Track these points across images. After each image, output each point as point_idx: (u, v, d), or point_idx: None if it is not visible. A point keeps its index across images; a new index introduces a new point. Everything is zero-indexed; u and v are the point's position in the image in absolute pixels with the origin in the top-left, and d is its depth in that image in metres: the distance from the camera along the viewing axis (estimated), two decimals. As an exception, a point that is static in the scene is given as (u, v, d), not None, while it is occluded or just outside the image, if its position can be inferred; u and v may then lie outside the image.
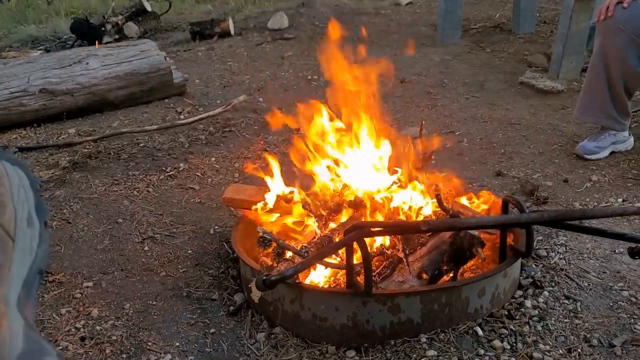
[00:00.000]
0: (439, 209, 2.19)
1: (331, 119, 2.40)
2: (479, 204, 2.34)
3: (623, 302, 2.05)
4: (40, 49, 6.73)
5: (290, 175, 2.46)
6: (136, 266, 2.45)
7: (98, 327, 2.07)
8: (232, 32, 6.78)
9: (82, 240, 2.65)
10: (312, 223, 2.24)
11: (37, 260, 0.76)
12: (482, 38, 5.93)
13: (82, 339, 2.01)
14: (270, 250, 2.07)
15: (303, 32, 6.61)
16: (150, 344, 1.99)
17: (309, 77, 5.05)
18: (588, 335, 1.90)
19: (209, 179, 3.23)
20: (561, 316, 1.99)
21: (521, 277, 2.17)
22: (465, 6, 6.12)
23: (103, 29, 6.92)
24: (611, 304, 2.05)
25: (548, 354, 1.82)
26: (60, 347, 1.96)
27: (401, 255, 2.02)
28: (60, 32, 7.58)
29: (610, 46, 3.05)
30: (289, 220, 2.31)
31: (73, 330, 2.05)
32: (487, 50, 5.55)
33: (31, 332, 0.69)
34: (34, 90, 4.05)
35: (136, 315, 2.14)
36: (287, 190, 2.30)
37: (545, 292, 2.10)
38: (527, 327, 1.94)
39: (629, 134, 3.31)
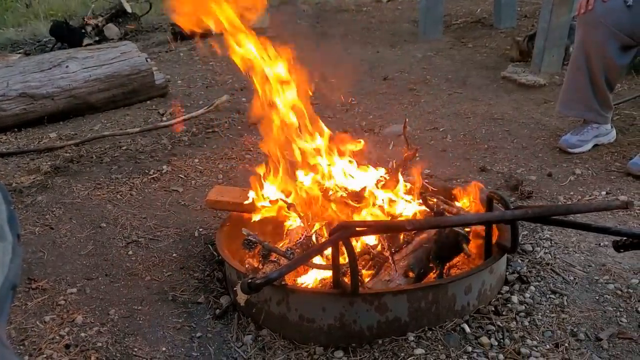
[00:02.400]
0: (424, 207, 2.19)
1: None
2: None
3: (609, 295, 2.06)
4: (19, 53, 6.64)
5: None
6: (120, 271, 2.42)
7: (83, 334, 2.04)
8: (214, 32, 6.74)
9: (66, 245, 2.62)
10: (297, 223, 2.23)
11: (10, 275, 0.73)
12: (463, 33, 5.93)
13: (67, 346, 1.98)
14: (255, 251, 2.05)
15: (285, 30, 6.58)
16: (136, 349, 1.97)
17: (292, 75, 5.02)
18: (575, 330, 1.91)
19: (193, 181, 3.21)
20: (548, 311, 1.99)
21: (507, 273, 2.18)
22: (446, 2, 6.12)
23: (83, 31, 6.84)
24: (597, 298, 2.06)
25: (535, 349, 1.82)
26: (45, 356, 1.94)
27: (387, 254, 2.02)
28: (40, 35, 7.48)
29: (590, 40, 3.06)
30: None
31: (57, 337, 2.03)
32: (469, 46, 5.56)
33: (4, 350, 0.67)
34: (13, 94, 4.00)
35: (121, 320, 2.12)
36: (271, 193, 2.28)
37: (532, 287, 2.10)
38: (514, 322, 1.94)
39: (612, 127, 3.32)
